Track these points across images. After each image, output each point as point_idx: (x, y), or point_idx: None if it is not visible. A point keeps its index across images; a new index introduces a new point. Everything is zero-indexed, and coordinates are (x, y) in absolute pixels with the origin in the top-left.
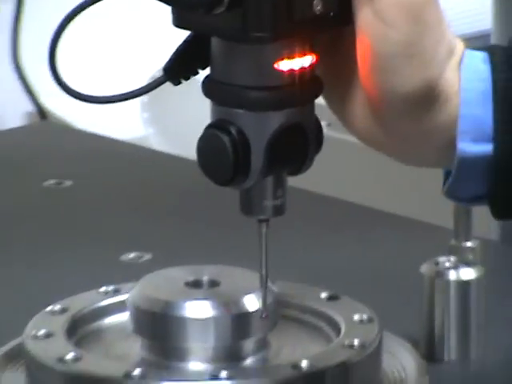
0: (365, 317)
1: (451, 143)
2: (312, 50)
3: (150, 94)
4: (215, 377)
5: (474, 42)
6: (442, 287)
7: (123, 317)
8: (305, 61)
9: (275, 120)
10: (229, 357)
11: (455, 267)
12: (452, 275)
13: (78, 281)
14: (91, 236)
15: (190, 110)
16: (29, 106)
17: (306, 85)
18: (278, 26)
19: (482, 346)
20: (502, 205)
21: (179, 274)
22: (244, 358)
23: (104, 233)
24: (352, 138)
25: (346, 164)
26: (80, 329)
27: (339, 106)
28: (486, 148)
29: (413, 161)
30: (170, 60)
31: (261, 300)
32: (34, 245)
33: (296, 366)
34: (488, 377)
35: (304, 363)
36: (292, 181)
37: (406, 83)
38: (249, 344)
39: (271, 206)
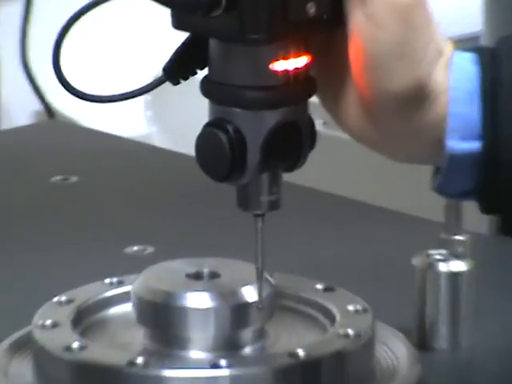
0: (359, 307)
1: (440, 141)
2: (306, 51)
3: (154, 93)
4: (215, 365)
5: (464, 43)
6: (433, 279)
7: (127, 307)
8: (299, 61)
9: (271, 118)
10: (228, 346)
11: (446, 260)
12: (443, 267)
13: (83, 272)
14: (96, 230)
15: (192, 109)
16: (37, 105)
17: (301, 84)
18: (274, 28)
19: (472, 335)
20: (490, 200)
21: (181, 267)
22: (243, 347)
23: (108, 226)
24: (346, 136)
25: (340, 161)
26: (85, 319)
27: (333, 104)
28: (474, 145)
29: (404, 158)
30: (170, 60)
31: (257, 293)
32: (41, 238)
33: (293, 355)
34: (477, 365)
35: (300, 352)
36: (289, 177)
37: (397, 82)
38: (247, 333)
39: (267, 202)
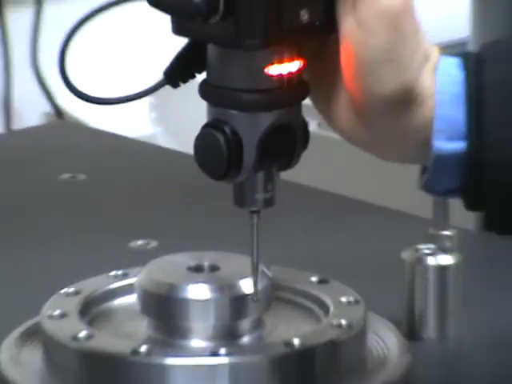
0: (351, 299)
1: (427, 141)
2: (299, 56)
3: (158, 95)
4: (215, 353)
5: (452, 49)
6: (421, 272)
7: (131, 298)
8: (293, 66)
9: (266, 120)
10: (227, 335)
11: (434, 254)
12: (431, 261)
13: (90, 265)
14: (102, 225)
15: (194, 111)
16: (47, 107)
17: (294, 88)
18: (269, 34)
19: (459, 326)
20: (474, 198)
21: (182, 260)
22: (241, 336)
23: (114, 222)
24: (338, 137)
25: (333, 160)
26: (92, 309)
27: (325, 107)
28: (460, 146)
29: (393, 158)
30: (170, 65)
31: (257, 284)
32: (49, 232)
33: (288, 344)
34: (464, 354)
35: (296, 341)
36: (285, 175)
37: (386, 86)
38: (245, 323)
39: (262, 199)
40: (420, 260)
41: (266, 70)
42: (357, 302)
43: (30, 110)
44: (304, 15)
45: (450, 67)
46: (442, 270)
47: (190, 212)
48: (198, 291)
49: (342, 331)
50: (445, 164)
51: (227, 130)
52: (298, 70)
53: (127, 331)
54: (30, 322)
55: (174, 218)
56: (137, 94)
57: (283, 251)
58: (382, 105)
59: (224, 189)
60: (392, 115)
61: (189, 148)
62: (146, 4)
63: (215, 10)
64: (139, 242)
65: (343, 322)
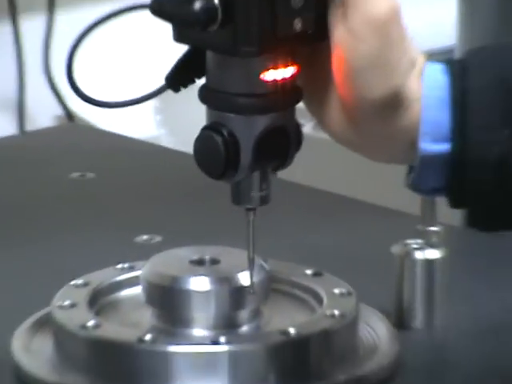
0: (344, 291)
1: (414, 143)
2: (293, 63)
3: (162, 99)
4: (215, 341)
5: (439, 56)
6: (410, 265)
7: (137, 290)
8: (287, 72)
9: (261, 123)
10: (227, 324)
11: (422, 248)
12: (419, 255)
13: (98, 259)
14: (110, 220)
15: (196, 114)
16: (58, 110)
17: (288, 92)
18: (264, 41)
19: (445, 316)
20: (457, 197)
21: (185, 254)
22: (240, 326)
23: (120, 218)
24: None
25: (327, 160)
26: (100, 300)
27: (317, 110)
28: (444, 147)
29: (381, 158)
30: (171, 71)
31: (254, 277)
32: (60, 227)
33: (284, 333)
34: (450, 343)
35: (291, 330)
36: (281, 174)
37: (374, 90)
38: (244, 313)
39: (257, 197)
40: (408, 254)
41: (261, 76)
42: (349, 293)
43: (42, 113)
44: (297, 24)
45: (436, 73)
46: (429, 263)
47: (192, 209)
48: (200, 283)
49: (335, 321)
50: (430, 164)
51: (225, 132)
52: (291, 76)
53: (133, 320)
54: (41, 312)
55: (177, 214)
56: (139, 98)
57: (279, 246)
58: (371, 108)
59: (223, 188)
60: (380, 118)
61: (191, 149)
62: (150, 13)
63: (213, 19)
64: (144, 237)
65: (336, 312)
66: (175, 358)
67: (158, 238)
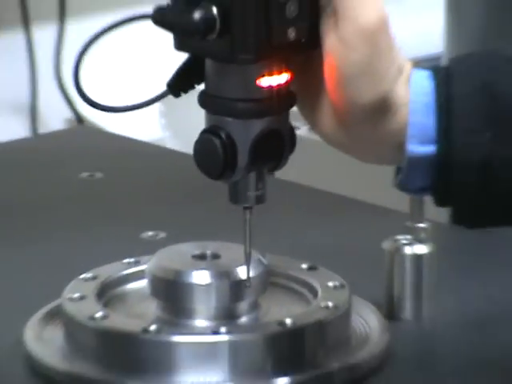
0: (337, 284)
1: (402, 145)
2: (287, 69)
3: (167, 104)
4: (216, 332)
5: (427, 63)
6: (399, 260)
7: (142, 283)
8: (281, 78)
9: (257, 126)
10: (227, 316)
11: (410, 244)
12: (408, 250)
13: (105, 254)
14: (117, 218)
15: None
16: (68, 114)
17: (283, 97)
18: (260, 49)
19: (433, 308)
20: (443, 196)
21: (188, 249)
22: (239, 317)
23: (127, 215)
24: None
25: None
26: (107, 293)
27: (310, 114)
28: (430, 149)
29: (371, 159)
30: (172, 77)
31: (251, 271)
32: (70, 225)
33: (281, 323)
34: (437, 333)
35: (288, 321)
36: (277, 173)
37: (364, 96)
38: (243, 305)
39: (254, 196)
40: (398, 249)
41: (257, 82)
42: (342, 286)
43: (53, 117)
44: (291, 33)
45: (422, 79)
46: (417, 258)
47: (194, 207)
48: (201, 277)
49: (328, 312)
50: (417, 165)
51: (223, 135)
52: (286, 82)
53: (138, 312)
54: (52, 304)
55: (181, 212)
56: (143, 102)
57: (277, 242)
58: (361, 112)
59: (223, 187)
60: (370, 122)
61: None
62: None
63: (212, 28)
64: (149, 234)
65: (330, 304)
66: (178, 347)
67: (162, 235)
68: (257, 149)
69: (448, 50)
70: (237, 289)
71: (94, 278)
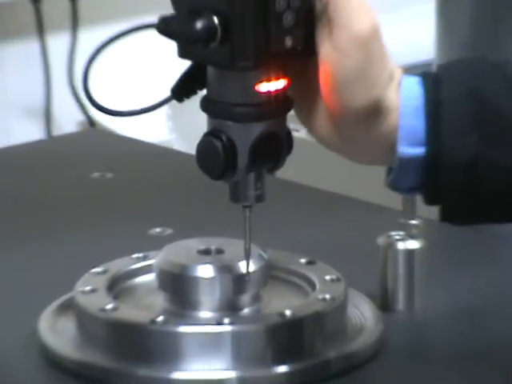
0: (334, 277)
1: (393, 147)
2: (285, 76)
3: (174, 107)
4: (220, 323)
5: (417, 69)
6: (393, 255)
7: (150, 277)
8: (279, 84)
9: (256, 129)
10: (230, 307)
11: (403, 239)
12: (401, 246)
13: (115, 249)
14: (126, 215)
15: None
16: (81, 117)
17: (280, 102)
18: (259, 57)
19: (424, 300)
20: (432, 195)
21: (193, 244)
22: (242, 309)
23: (136, 213)
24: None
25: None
26: (117, 286)
27: (306, 118)
28: (420, 151)
29: (364, 160)
30: (176, 83)
31: (253, 265)
32: (82, 222)
33: (281, 315)
34: (428, 323)
35: (288, 312)
36: (277, 174)
37: (357, 101)
38: (245, 298)
39: (253, 195)
40: (392, 245)
41: (256, 88)
42: (339, 279)
43: (66, 120)
44: (288, 41)
45: (412, 85)
46: (409, 253)
47: (200, 205)
48: (206, 270)
49: (326, 304)
50: (407, 166)
51: (224, 137)
52: (283, 87)
53: (147, 304)
54: (65, 297)
55: (186, 209)
56: (149, 107)
57: (278, 238)
58: (354, 116)
59: (225, 187)
60: (363, 125)
61: None
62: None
63: (214, 37)
64: (157, 230)
65: (327, 296)
66: (184, 337)
67: (169, 231)
68: (256, 150)
69: (439, 56)
70: (239, 282)
71: (104, 271)
